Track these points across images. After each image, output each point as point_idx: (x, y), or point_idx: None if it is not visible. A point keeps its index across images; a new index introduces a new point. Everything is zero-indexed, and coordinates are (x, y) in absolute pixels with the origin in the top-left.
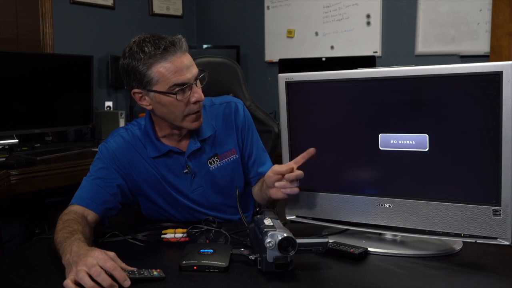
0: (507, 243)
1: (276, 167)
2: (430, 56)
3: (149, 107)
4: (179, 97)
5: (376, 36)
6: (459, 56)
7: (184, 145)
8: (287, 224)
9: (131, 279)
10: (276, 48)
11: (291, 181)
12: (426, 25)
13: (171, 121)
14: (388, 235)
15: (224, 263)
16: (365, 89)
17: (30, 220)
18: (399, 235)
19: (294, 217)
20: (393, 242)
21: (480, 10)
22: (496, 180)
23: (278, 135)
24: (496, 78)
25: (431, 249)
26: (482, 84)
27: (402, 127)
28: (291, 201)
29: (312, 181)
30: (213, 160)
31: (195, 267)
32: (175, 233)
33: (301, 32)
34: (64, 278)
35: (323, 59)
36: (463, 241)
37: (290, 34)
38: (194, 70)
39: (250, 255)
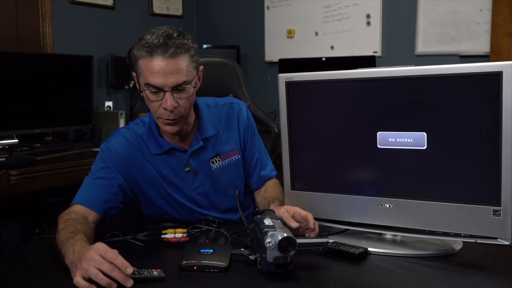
0: (507, 243)
1: (299, 214)
2: (430, 56)
3: (142, 94)
4: (152, 97)
5: (376, 36)
6: (459, 56)
7: (186, 143)
8: (286, 224)
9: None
10: (276, 48)
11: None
12: (426, 25)
13: (154, 116)
14: (388, 235)
15: (224, 263)
16: (365, 89)
17: (30, 220)
18: (399, 235)
19: None
20: (393, 242)
21: (480, 10)
22: (496, 180)
23: (278, 135)
24: (496, 78)
25: (431, 249)
26: (482, 84)
27: (402, 127)
28: (291, 201)
29: (312, 181)
30: (215, 160)
31: (195, 267)
32: (175, 233)
33: (301, 32)
34: (65, 278)
35: (323, 59)
36: (463, 241)
37: (290, 34)
38: (171, 79)
39: (250, 255)
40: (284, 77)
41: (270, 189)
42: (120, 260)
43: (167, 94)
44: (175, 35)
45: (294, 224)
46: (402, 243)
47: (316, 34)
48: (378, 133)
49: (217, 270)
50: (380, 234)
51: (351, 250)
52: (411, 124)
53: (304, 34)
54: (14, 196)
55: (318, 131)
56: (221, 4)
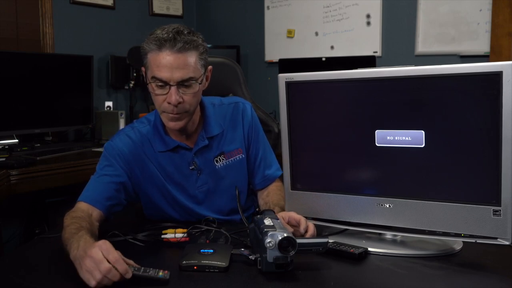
0: (507, 243)
1: (293, 218)
2: (430, 56)
3: (149, 88)
4: (158, 91)
5: (376, 36)
6: (459, 56)
7: (191, 141)
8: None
9: (134, 275)
10: (276, 48)
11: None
12: (426, 25)
13: (158, 111)
14: (388, 235)
15: (224, 263)
16: (365, 89)
17: (30, 220)
18: (399, 235)
19: None
20: (393, 242)
21: (480, 10)
22: (496, 180)
23: (278, 135)
24: (496, 78)
25: (431, 249)
26: (482, 84)
27: (401, 126)
28: (291, 201)
29: (312, 181)
30: (219, 158)
31: (195, 267)
32: (175, 233)
33: (301, 32)
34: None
35: (323, 59)
36: (463, 241)
37: (290, 34)
38: (178, 74)
39: (250, 255)
40: (284, 77)
41: (272, 193)
42: (120, 265)
43: (173, 88)
44: (186, 32)
45: (289, 229)
46: (402, 243)
47: (316, 34)
48: (376, 131)
49: (217, 270)
50: (380, 234)
51: (351, 250)
52: (411, 124)
53: (304, 34)
54: (14, 196)
55: (318, 131)
56: (221, 4)
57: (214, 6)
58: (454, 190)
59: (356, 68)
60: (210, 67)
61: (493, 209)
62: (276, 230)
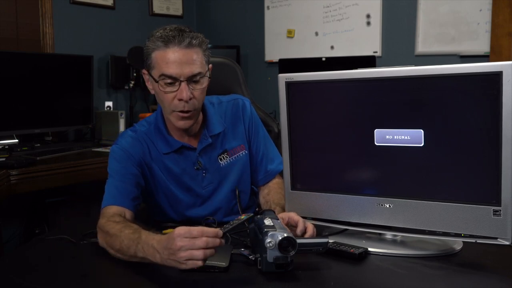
0: (507, 243)
1: (293, 219)
2: (430, 56)
3: (152, 91)
4: (167, 88)
5: (376, 36)
6: (459, 56)
7: (194, 141)
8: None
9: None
10: (276, 48)
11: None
12: (426, 25)
13: (165, 112)
14: (388, 235)
15: (224, 263)
16: (365, 89)
17: (30, 220)
18: (399, 235)
19: None
20: (393, 242)
21: (480, 10)
22: (496, 180)
23: (278, 135)
24: (496, 78)
25: (431, 249)
26: (482, 84)
27: (402, 126)
28: (291, 201)
29: (312, 181)
30: (223, 156)
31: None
32: None
33: (301, 32)
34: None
35: (323, 59)
36: (463, 241)
37: (290, 34)
38: (187, 69)
39: (250, 255)
40: (284, 77)
41: (273, 191)
42: (208, 231)
43: (183, 84)
44: (187, 30)
45: (288, 230)
46: (402, 243)
47: (316, 34)
48: (376, 130)
49: (217, 270)
50: (380, 234)
51: (351, 250)
52: (411, 124)
53: (304, 34)
54: (14, 196)
55: (318, 131)
56: (221, 4)
57: (214, 6)
58: (454, 190)
59: (356, 68)
60: (210, 65)
61: (493, 209)
62: (276, 230)
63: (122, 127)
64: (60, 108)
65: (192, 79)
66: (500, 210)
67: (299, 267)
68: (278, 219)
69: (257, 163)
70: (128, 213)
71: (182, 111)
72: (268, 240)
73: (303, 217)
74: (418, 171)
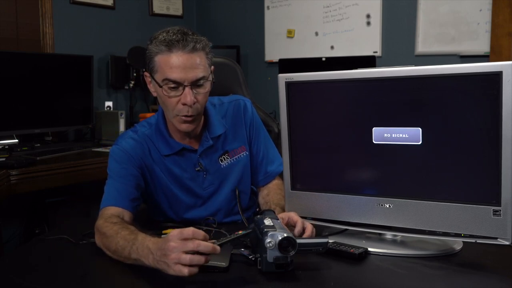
0: (507, 243)
1: (292, 219)
2: (430, 56)
3: (154, 94)
4: (171, 93)
5: (376, 36)
6: (459, 56)
7: (196, 143)
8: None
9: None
10: (276, 48)
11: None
12: (426, 25)
13: (167, 115)
14: (388, 235)
15: (224, 263)
16: (365, 89)
17: (30, 220)
18: (399, 235)
19: None
20: (393, 242)
21: (480, 10)
22: (496, 180)
23: (278, 135)
24: (496, 78)
25: (431, 249)
26: (482, 84)
27: (402, 126)
28: (291, 201)
29: (312, 181)
30: (224, 158)
31: None
32: None
33: (301, 32)
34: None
35: (323, 59)
36: (463, 241)
37: (290, 34)
38: (191, 74)
39: (250, 255)
40: (284, 77)
41: (272, 192)
42: (199, 234)
43: (187, 89)
44: (190, 33)
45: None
46: (402, 243)
47: (316, 34)
48: (374, 128)
49: (217, 270)
50: (380, 234)
51: (351, 250)
52: (411, 124)
53: (304, 34)
54: (14, 196)
55: (318, 131)
56: (221, 4)
57: (214, 6)
58: (454, 190)
59: (356, 68)
60: (212, 67)
61: (493, 209)
62: (276, 230)
63: (122, 127)
64: (60, 108)
65: (196, 83)
66: (500, 210)
67: (299, 267)
68: (278, 219)
69: (257, 164)
70: (127, 215)
71: (185, 115)
72: (268, 240)
73: (303, 217)
74: (418, 171)
